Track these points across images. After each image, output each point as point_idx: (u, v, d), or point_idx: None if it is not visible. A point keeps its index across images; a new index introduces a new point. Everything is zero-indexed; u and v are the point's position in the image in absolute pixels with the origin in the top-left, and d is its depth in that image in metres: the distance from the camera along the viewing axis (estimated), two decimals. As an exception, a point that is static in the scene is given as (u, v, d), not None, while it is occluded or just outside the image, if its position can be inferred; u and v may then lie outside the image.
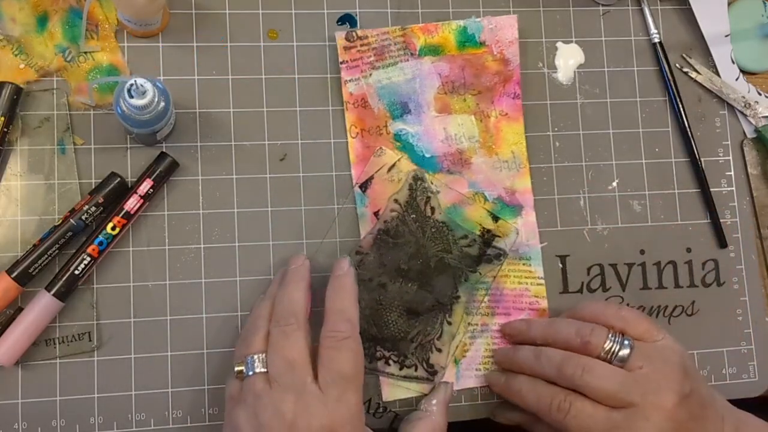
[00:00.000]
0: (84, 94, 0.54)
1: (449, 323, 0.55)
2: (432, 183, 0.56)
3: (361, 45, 0.57)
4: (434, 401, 0.53)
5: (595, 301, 0.55)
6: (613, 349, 0.49)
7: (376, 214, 0.56)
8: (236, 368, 0.47)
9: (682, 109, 0.60)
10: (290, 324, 0.47)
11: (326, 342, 0.47)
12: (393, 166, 0.56)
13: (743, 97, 0.61)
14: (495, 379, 0.54)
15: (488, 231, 0.56)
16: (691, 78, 0.61)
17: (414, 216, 0.56)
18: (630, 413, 0.47)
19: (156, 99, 0.48)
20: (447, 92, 0.58)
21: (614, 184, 0.59)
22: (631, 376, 0.48)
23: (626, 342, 0.49)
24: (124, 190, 0.52)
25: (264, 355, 0.47)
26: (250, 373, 0.46)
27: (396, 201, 0.56)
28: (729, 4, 0.62)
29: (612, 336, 0.50)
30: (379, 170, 0.56)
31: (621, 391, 0.48)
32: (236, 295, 0.54)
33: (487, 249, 0.56)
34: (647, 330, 0.51)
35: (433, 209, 0.56)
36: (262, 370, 0.46)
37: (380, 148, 0.56)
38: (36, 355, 0.51)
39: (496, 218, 0.57)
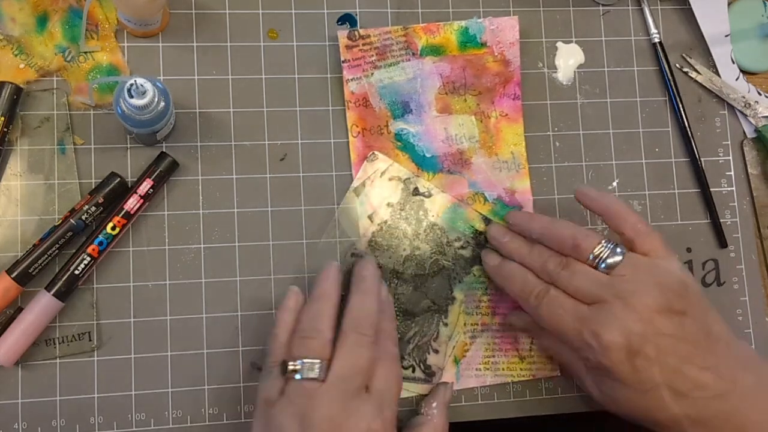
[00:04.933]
0: (84, 94, 0.54)
1: (445, 324, 0.56)
2: (425, 186, 0.56)
3: (363, 44, 0.57)
4: (434, 403, 0.53)
5: (621, 201, 0.53)
6: (602, 255, 0.49)
7: (370, 217, 0.56)
8: (290, 366, 0.46)
9: (682, 109, 0.60)
10: (369, 335, 0.48)
11: (381, 355, 0.49)
12: (386, 170, 0.56)
13: (743, 97, 0.61)
14: (491, 258, 0.54)
15: (481, 233, 0.56)
16: (691, 78, 0.61)
17: (407, 219, 0.56)
18: (598, 308, 0.47)
19: (156, 99, 0.48)
20: (448, 92, 0.58)
21: (614, 184, 0.59)
22: (608, 279, 0.48)
23: (619, 251, 0.49)
24: (124, 190, 0.52)
25: (324, 362, 0.46)
26: (300, 376, 0.46)
27: (389, 204, 0.56)
28: (729, 4, 0.62)
29: (606, 243, 0.49)
30: (371, 175, 0.56)
31: (593, 289, 0.48)
32: (236, 295, 0.54)
33: (480, 250, 0.56)
34: (654, 248, 0.50)
35: (426, 212, 0.56)
36: (321, 376, 0.46)
37: (373, 153, 0.56)
38: (36, 355, 0.51)
39: (488, 220, 0.57)
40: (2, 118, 0.51)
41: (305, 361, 0.46)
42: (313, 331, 0.48)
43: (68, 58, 0.54)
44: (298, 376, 0.46)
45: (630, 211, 0.51)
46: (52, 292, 0.50)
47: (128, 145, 0.54)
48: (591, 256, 0.49)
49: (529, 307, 0.50)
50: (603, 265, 0.49)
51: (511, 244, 0.54)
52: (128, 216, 0.52)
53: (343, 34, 0.57)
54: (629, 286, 0.47)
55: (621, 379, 0.47)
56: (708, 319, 0.48)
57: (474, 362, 0.56)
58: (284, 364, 0.47)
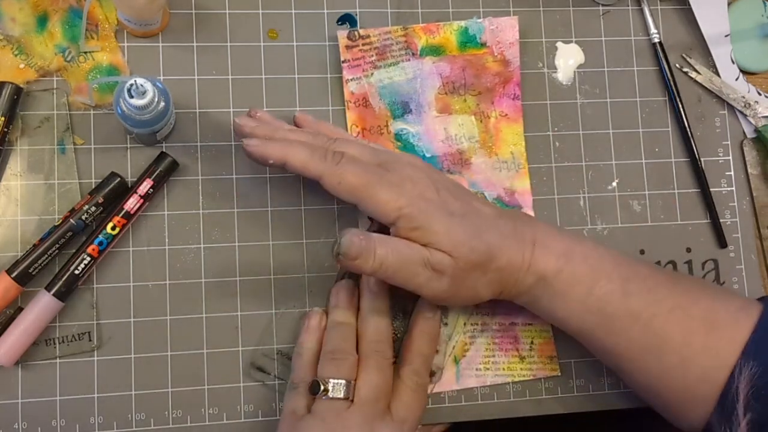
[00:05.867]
0: (84, 94, 0.54)
1: (445, 324, 0.56)
2: None
3: (363, 44, 0.57)
4: None
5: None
6: None
7: (369, 217, 0.56)
8: (322, 387, 0.48)
9: (682, 109, 0.60)
10: (387, 357, 0.50)
11: (410, 383, 0.50)
12: None
13: (743, 97, 0.61)
14: (253, 140, 0.49)
15: None
16: (691, 78, 0.61)
17: None
18: (386, 165, 0.49)
19: (156, 99, 0.48)
20: (447, 92, 0.58)
21: (614, 184, 0.59)
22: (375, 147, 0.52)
23: None
24: (124, 190, 0.52)
25: (351, 382, 0.48)
26: (333, 395, 0.48)
27: None
28: (729, 4, 0.62)
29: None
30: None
31: (372, 155, 0.49)
32: (236, 295, 0.54)
33: None
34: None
35: None
36: (350, 396, 0.48)
37: None
38: (36, 355, 0.51)
39: None
40: (2, 118, 0.51)
41: (334, 381, 0.48)
42: (342, 353, 0.50)
43: (68, 58, 0.54)
44: (327, 396, 0.48)
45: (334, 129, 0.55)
46: (52, 292, 0.50)
47: (128, 145, 0.54)
48: None
49: (324, 168, 0.47)
50: None
51: (274, 123, 0.52)
52: (128, 216, 0.52)
53: (343, 34, 0.57)
54: (396, 154, 0.52)
55: (431, 210, 0.47)
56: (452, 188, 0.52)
57: (474, 362, 0.56)
58: (314, 384, 0.48)
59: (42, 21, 0.54)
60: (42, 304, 0.50)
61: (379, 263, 0.46)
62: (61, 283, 0.50)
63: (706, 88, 0.61)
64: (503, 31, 0.59)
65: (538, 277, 0.49)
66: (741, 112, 0.61)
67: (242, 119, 0.51)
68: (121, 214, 0.51)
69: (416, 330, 0.53)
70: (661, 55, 0.61)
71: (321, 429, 0.47)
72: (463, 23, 0.58)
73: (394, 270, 0.46)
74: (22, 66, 0.53)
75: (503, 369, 0.56)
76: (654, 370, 0.49)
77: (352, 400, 0.48)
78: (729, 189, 0.61)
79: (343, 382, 0.48)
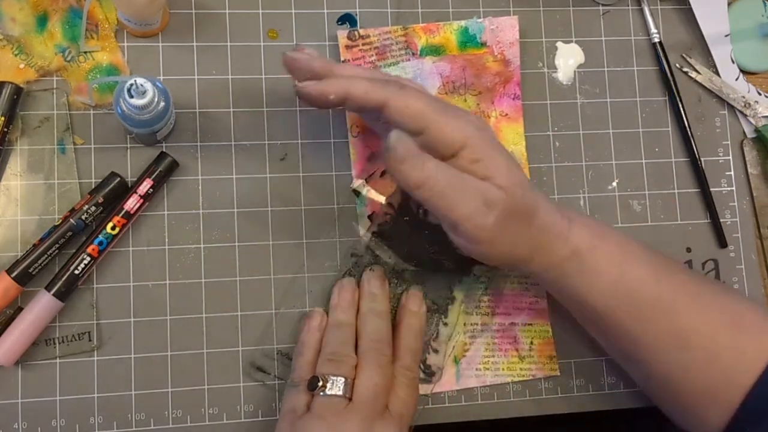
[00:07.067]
0: (84, 94, 0.54)
1: (445, 324, 0.56)
2: None
3: (363, 44, 0.57)
4: None
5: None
6: None
7: (370, 217, 0.56)
8: (320, 383, 0.48)
9: (682, 109, 0.60)
10: (387, 355, 0.50)
11: (403, 378, 0.51)
12: (386, 170, 0.56)
13: (743, 97, 0.61)
14: (306, 83, 0.47)
15: None
16: (691, 78, 0.61)
17: (407, 218, 0.55)
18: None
19: (156, 99, 0.48)
20: (448, 92, 0.58)
21: (614, 184, 0.59)
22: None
23: None
24: (124, 190, 0.52)
25: (349, 380, 0.48)
26: (332, 392, 0.48)
27: (390, 204, 0.56)
28: (729, 4, 0.62)
29: None
30: (372, 174, 0.56)
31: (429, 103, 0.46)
32: (236, 295, 0.54)
33: None
34: None
35: (426, 212, 0.56)
36: (347, 393, 0.48)
37: (373, 153, 0.56)
38: (36, 355, 0.51)
39: None
40: (2, 118, 0.51)
41: (333, 378, 0.48)
42: (342, 355, 0.50)
43: (68, 58, 0.54)
44: (324, 392, 0.48)
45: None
46: (52, 292, 0.50)
47: (128, 145, 0.54)
48: None
49: (389, 94, 0.45)
50: None
51: (324, 59, 0.48)
52: (128, 216, 0.52)
53: (343, 34, 0.57)
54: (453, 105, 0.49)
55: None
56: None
57: (474, 362, 0.56)
58: (312, 381, 0.49)
59: (42, 21, 0.54)
60: (42, 304, 0.50)
61: (426, 176, 0.43)
62: (61, 283, 0.50)
63: (706, 88, 0.61)
64: (503, 31, 0.59)
65: (573, 250, 0.47)
66: (741, 112, 0.61)
67: (294, 53, 0.47)
68: (121, 214, 0.51)
69: (403, 325, 0.53)
70: (661, 55, 0.61)
71: (320, 427, 0.47)
72: (463, 23, 0.58)
73: (441, 189, 0.43)
74: (22, 66, 0.53)
75: (503, 369, 0.56)
76: (678, 363, 0.48)
77: (351, 399, 0.48)
78: (729, 189, 0.61)
79: (342, 379, 0.48)
